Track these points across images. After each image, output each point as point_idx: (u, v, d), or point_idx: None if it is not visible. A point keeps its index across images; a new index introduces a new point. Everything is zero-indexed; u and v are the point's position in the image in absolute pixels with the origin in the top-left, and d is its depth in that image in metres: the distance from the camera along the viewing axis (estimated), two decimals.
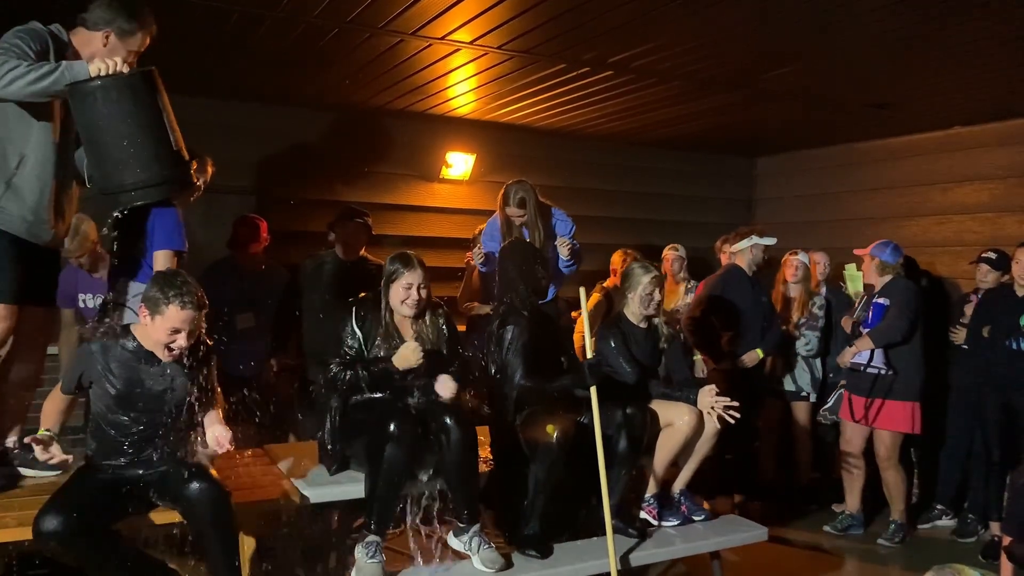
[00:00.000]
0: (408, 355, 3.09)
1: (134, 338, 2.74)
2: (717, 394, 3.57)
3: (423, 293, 3.23)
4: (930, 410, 5.07)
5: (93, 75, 2.53)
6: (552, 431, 3.21)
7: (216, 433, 2.76)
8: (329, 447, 3.28)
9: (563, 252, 4.15)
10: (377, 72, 4.50)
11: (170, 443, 2.79)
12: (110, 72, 2.55)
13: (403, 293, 3.21)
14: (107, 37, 2.71)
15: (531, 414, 3.34)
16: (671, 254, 5.70)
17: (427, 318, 3.31)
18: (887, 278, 4.68)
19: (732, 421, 3.55)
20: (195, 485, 2.62)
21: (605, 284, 5.44)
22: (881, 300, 4.64)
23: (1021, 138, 5.39)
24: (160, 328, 2.64)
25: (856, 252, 4.96)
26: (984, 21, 3.58)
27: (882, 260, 4.67)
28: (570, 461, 3.25)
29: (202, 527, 2.65)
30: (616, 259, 5.57)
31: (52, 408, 2.86)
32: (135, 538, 2.79)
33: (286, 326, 4.60)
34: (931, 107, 5.23)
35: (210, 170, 3.64)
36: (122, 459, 2.73)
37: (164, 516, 2.78)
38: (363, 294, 3.35)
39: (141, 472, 2.74)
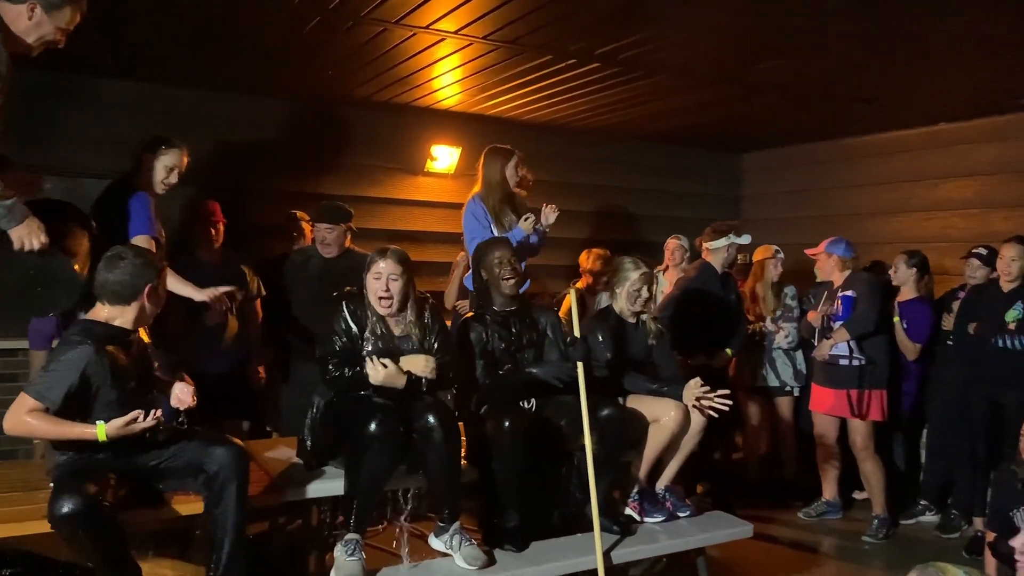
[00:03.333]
0: (421, 364, 3.08)
1: (103, 324, 2.72)
2: (702, 387, 3.55)
3: (394, 285, 3.15)
4: (917, 406, 5.12)
5: (16, 247, 2.62)
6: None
7: (176, 391, 2.87)
8: (309, 443, 3.23)
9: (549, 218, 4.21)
10: (360, 62, 4.43)
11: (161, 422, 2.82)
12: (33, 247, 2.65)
13: (373, 283, 3.15)
14: (32, 10, 2.57)
15: (489, 410, 3.31)
16: (673, 243, 5.65)
17: (410, 311, 3.24)
18: (847, 272, 4.79)
19: (718, 413, 3.53)
20: (217, 448, 2.77)
21: (577, 285, 5.39)
22: (848, 293, 4.71)
23: (1007, 134, 5.40)
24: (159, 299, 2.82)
25: (808, 252, 5.01)
26: (970, 17, 3.57)
27: (840, 256, 4.80)
28: (531, 455, 3.22)
29: (225, 484, 2.73)
30: (583, 259, 5.54)
31: (58, 430, 2.63)
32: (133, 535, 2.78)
33: (266, 320, 4.53)
34: (918, 103, 5.22)
35: (185, 160, 3.56)
36: (124, 444, 2.69)
37: (168, 512, 2.84)
38: (348, 288, 3.29)
39: (149, 459, 2.76)
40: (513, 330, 3.52)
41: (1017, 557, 2.31)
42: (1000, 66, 4.33)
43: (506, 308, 3.54)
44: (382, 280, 3.14)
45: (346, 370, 3.08)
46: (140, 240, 3.31)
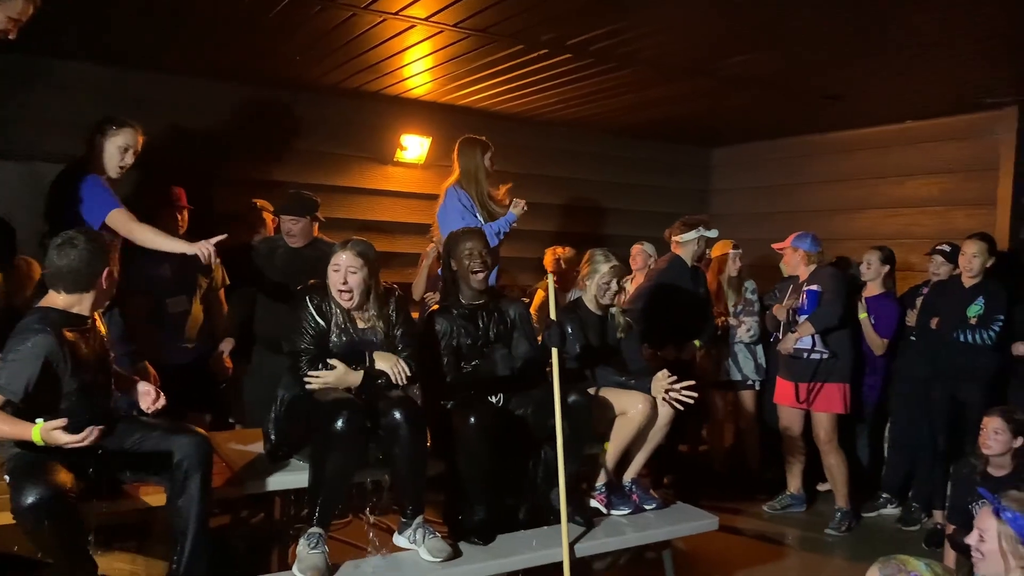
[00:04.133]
0: (390, 363, 3.05)
1: (62, 312, 2.64)
2: (669, 379, 3.55)
3: (352, 278, 3.07)
4: (880, 400, 5.19)
5: None
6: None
7: (142, 391, 2.86)
8: (273, 437, 3.18)
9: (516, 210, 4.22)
10: (329, 48, 4.36)
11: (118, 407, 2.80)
12: None
13: (333, 275, 3.10)
14: None
15: (455, 404, 3.28)
16: (637, 248, 5.63)
17: (374, 304, 3.18)
18: (812, 267, 4.86)
19: (687, 404, 3.53)
20: (181, 438, 2.72)
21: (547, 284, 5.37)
22: (813, 287, 4.76)
23: (970, 133, 5.47)
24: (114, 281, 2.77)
25: (775, 247, 5.07)
26: (936, 15, 3.60)
27: (805, 250, 4.87)
28: (497, 449, 3.20)
29: (189, 473, 2.67)
30: (548, 259, 5.51)
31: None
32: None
33: (231, 310, 4.46)
34: (884, 100, 5.28)
35: (139, 139, 3.46)
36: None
37: (127, 503, 2.79)
38: (312, 281, 3.23)
39: (110, 448, 2.69)
40: (480, 324, 3.48)
41: (972, 553, 2.34)
42: (965, 65, 4.38)
43: (474, 301, 3.49)
44: (340, 272, 3.08)
45: (319, 366, 3.03)
46: (115, 216, 3.26)
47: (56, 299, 2.67)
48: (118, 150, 3.39)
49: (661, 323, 4.70)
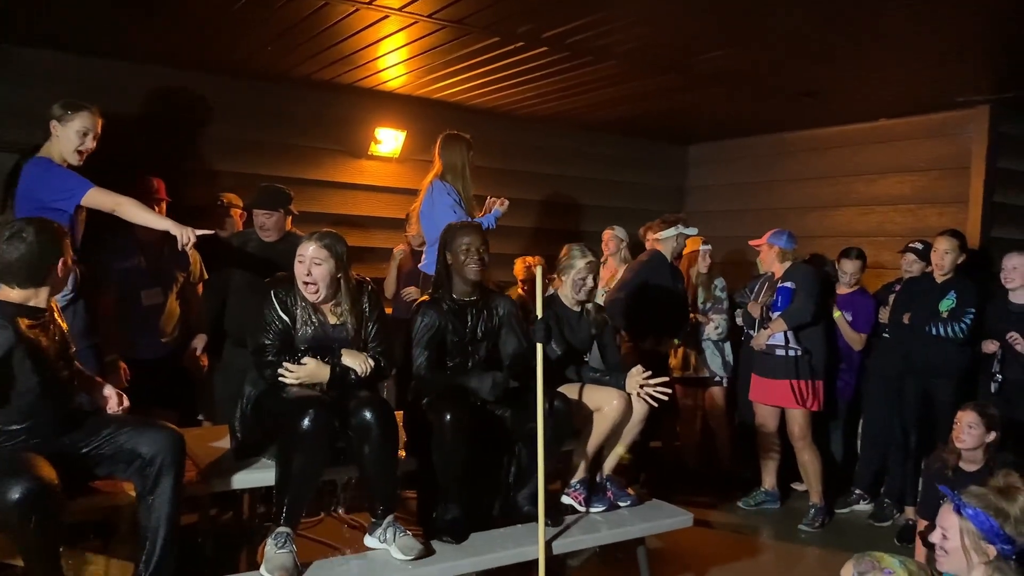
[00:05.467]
0: (359, 361, 3.00)
1: (19, 306, 2.56)
2: (644, 374, 3.53)
3: (317, 270, 3.00)
4: (855, 397, 5.23)
5: None
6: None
7: (107, 394, 2.80)
8: (239, 434, 3.11)
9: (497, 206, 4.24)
10: (301, 38, 4.28)
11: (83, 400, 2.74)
12: None
13: (298, 268, 3.03)
14: None
15: (432, 401, 3.23)
16: (608, 233, 5.68)
17: (345, 298, 3.11)
18: (788, 263, 4.87)
19: (662, 399, 3.52)
20: (154, 433, 2.65)
21: (517, 292, 5.35)
22: (787, 284, 4.78)
23: (943, 131, 5.51)
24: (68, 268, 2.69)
25: (752, 243, 5.09)
26: (910, 14, 3.61)
27: (781, 247, 4.88)
28: (474, 447, 3.16)
29: (162, 470, 2.61)
30: (518, 269, 5.49)
31: None
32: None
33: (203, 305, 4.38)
34: (858, 98, 5.30)
35: (98, 121, 3.39)
36: (51, 429, 2.57)
37: (96, 500, 2.75)
38: (279, 274, 3.16)
39: (77, 445, 2.62)
40: (469, 320, 3.42)
41: (936, 551, 2.34)
42: (938, 63, 4.41)
43: (465, 297, 3.43)
44: (305, 265, 3.01)
45: (282, 362, 2.95)
46: (94, 195, 3.18)
47: (10, 293, 2.57)
48: (76, 134, 3.30)
49: (642, 315, 4.72)
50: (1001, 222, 5.31)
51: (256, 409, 3.05)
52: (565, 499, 3.56)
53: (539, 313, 3.25)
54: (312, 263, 3.00)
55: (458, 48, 4.36)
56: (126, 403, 2.85)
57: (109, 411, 2.84)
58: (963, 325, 4.37)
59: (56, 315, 2.74)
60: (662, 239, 4.96)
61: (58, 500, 2.37)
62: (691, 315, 5.33)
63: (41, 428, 2.50)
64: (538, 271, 3.30)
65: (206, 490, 3.02)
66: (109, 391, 2.87)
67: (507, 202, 4.30)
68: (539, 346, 3.17)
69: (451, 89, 5.33)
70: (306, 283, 3.01)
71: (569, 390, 3.57)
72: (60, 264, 2.63)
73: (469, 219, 4.02)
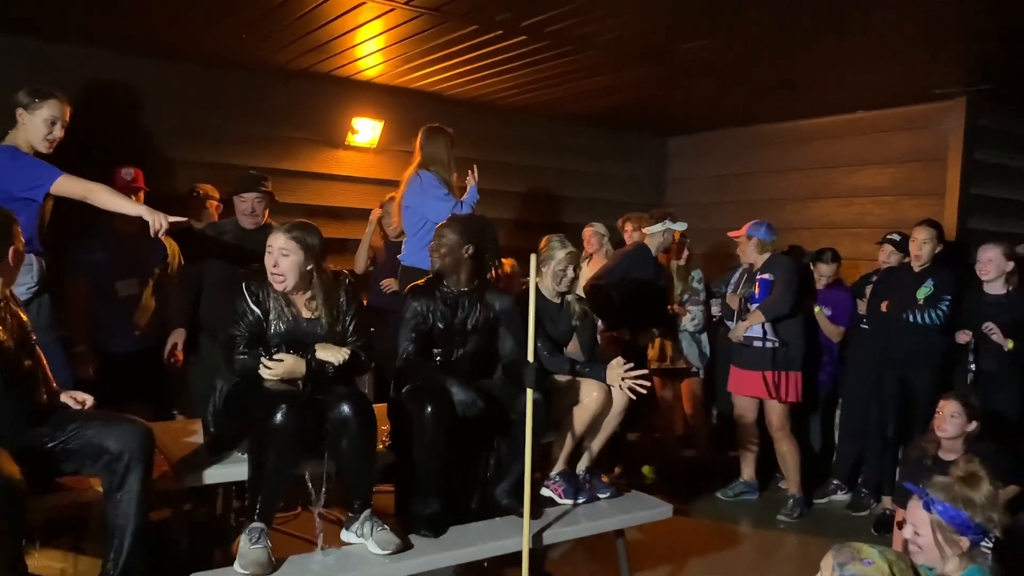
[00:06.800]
0: (334, 354, 2.92)
1: None
2: (624, 366, 3.50)
3: (284, 261, 2.93)
4: (833, 387, 5.25)
5: None
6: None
7: (62, 399, 2.71)
8: (212, 428, 3.05)
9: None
10: (277, 26, 4.21)
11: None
12: None
13: (266, 259, 2.97)
14: None
15: (412, 390, 3.18)
16: (589, 230, 5.66)
17: (319, 291, 3.04)
18: (767, 255, 4.87)
19: (642, 392, 3.49)
20: (122, 428, 2.59)
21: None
22: (766, 276, 4.79)
23: (920, 123, 5.54)
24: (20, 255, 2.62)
25: (730, 234, 5.10)
26: (889, 6, 3.61)
27: (760, 239, 4.87)
28: (454, 440, 3.11)
29: (129, 466, 2.54)
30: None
31: None
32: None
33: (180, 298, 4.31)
34: (837, 90, 5.31)
35: (66, 110, 3.31)
36: (13, 424, 2.50)
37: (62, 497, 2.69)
38: (252, 266, 3.10)
39: (43, 441, 2.55)
40: (459, 312, 3.36)
41: (909, 547, 2.34)
42: (915, 55, 4.42)
43: (461, 288, 3.37)
44: (272, 255, 2.95)
45: (251, 355, 2.89)
46: (64, 183, 3.11)
47: None
48: (44, 123, 3.23)
49: (620, 305, 4.72)
50: (977, 214, 5.35)
51: (228, 403, 2.99)
52: (545, 492, 3.54)
53: (531, 339, 3.11)
54: (279, 254, 2.94)
55: (436, 36, 4.31)
56: (90, 402, 2.76)
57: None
58: (939, 312, 4.40)
59: (13, 305, 2.66)
60: (650, 234, 5.01)
61: (22, 497, 2.30)
62: (669, 306, 5.33)
63: (3, 423, 2.42)
64: (531, 283, 3.12)
65: (179, 485, 2.95)
66: (66, 398, 2.77)
67: (475, 169, 4.30)
68: (530, 392, 3.07)
69: (429, 79, 5.27)
70: (273, 273, 2.96)
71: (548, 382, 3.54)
72: (11, 252, 2.55)
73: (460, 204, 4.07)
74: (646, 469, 5.41)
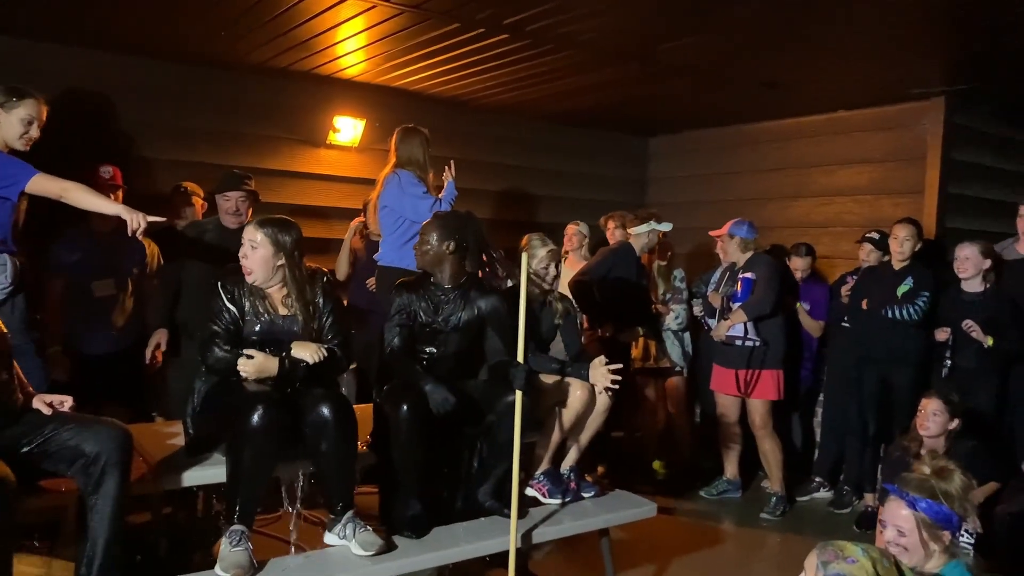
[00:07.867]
0: (311, 352, 2.89)
1: None
2: (606, 364, 3.50)
3: (253, 254, 2.90)
4: (814, 386, 5.29)
5: None
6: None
7: (35, 405, 2.64)
8: (191, 430, 3.01)
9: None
10: (256, 23, 4.16)
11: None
12: None
13: (240, 250, 2.95)
14: None
15: (389, 390, 3.16)
16: (572, 228, 5.67)
17: (294, 288, 3.00)
18: (749, 254, 4.89)
19: (619, 391, 3.50)
20: (98, 430, 2.54)
21: None
22: (748, 275, 4.81)
23: (899, 123, 5.58)
24: None
25: (712, 234, 5.13)
26: (870, 5, 3.63)
27: (742, 237, 4.90)
28: (434, 441, 3.10)
29: (106, 469, 2.49)
30: None
31: None
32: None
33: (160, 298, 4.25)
34: (817, 90, 5.34)
35: (43, 109, 3.27)
36: None
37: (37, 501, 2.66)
38: (229, 265, 3.06)
39: (17, 443, 2.50)
40: (442, 310, 3.32)
41: (893, 548, 2.34)
42: (894, 54, 4.45)
43: (448, 284, 3.33)
44: (244, 247, 2.93)
45: (228, 353, 2.85)
46: (39, 181, 3.05)
47: None
48: (21, 122, 3.18)
49: (603, 302, 4.72)
50: (955, 212, 5.40)
51: (206, 404, 2.96)
52: (529, 491, 3.53)
53: (520, 339, 3.10)
54: (249, 246, 2.92)
55: (417, 34, 4.28)
56: (69, 402, 2.71)
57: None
58: (917, 307, 4.44)
59: None
60: (635, 234, 5.04)
61: (10, 498, 2.27)
62: (652, 306, 5.34)
63: None
64: (522, 288, 3.08)
65: (158, 488, 2.92)
66: (38, 404, 2.69)
67: (452, 165, 4.24)
68: (518, 394, 3.06)
69: (411, 77, 5.24)
70: (243, 265, 2.94)
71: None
72: None
73: (439, 202, 4.04)
74: (657, 464, 5.42)
